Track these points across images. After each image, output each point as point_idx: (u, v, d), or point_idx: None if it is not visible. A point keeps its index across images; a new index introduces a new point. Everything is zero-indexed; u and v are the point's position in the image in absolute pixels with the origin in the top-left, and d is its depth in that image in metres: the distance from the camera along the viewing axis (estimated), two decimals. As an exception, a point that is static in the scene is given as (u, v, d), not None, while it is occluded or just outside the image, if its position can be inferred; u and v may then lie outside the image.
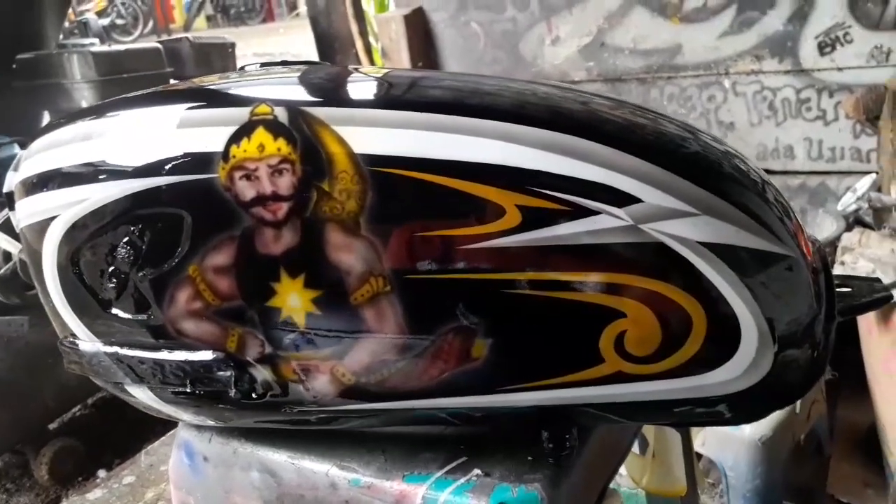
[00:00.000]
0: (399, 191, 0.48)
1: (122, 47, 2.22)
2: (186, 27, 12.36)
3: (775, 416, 1.32)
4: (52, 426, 1.89)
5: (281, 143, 0.49)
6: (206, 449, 0.64)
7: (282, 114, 0.50)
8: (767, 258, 0.48)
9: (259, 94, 0.54)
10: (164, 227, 0.52)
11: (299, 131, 0.49)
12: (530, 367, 0.50)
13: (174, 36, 2.75)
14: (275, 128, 0.50)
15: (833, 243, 1.57)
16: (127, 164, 0.54)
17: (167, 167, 0.52)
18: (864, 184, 1.69)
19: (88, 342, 0.59)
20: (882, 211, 1.51)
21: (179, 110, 0.54)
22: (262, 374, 0.53)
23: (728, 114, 1.91)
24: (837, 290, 0.56)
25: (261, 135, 0.50)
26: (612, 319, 0.48)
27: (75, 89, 2.02)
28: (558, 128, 0.49)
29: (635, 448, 0.76)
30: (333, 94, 0.55)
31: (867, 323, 1.46)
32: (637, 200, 0.47)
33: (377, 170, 0.48)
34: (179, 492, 0.68)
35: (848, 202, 1.70)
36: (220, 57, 2.35)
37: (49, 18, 2.42)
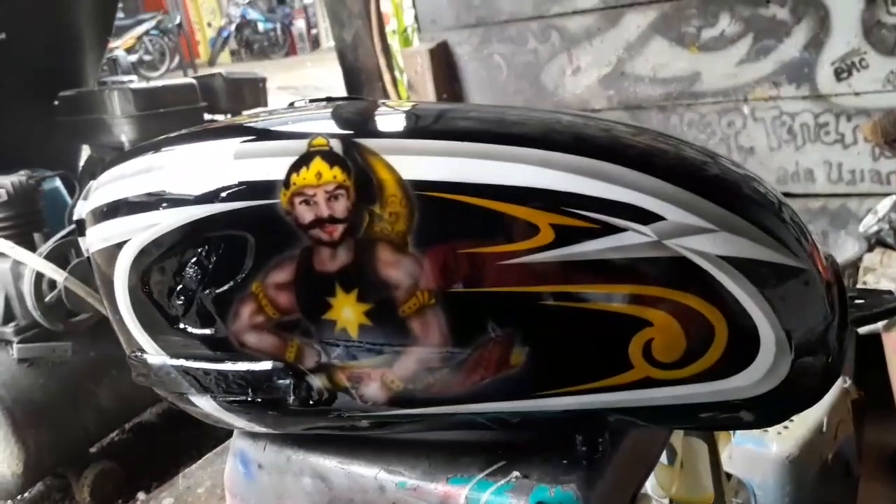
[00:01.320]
0: (443, 212, 0.53)
1: (159, 83, 2.31)
2: (211, 62, 12.68)
3: (802, 436, 1.34)
4: (92, 450, 1.94)
5: (336, 171, 0.55)
6: (261, 457, 0.69)
7: (336, 145, 0.55)
8: (783, 271, 0.53)
9: (314, 128, 0.59)
10: (229, 249, 0.58)
11: (353, 160, 0.55)
12: (565, 373, 0.54)
13: (202, 71, 2.86)
14: (331, 158, 0.55)
15: (855, 264, 1.59)
16: (192, 193, 0.59)
17: (231, 194, 0.57)
18: (884, 205, 1.72)
19: (156, 356, 0.64)
20: (902, 231, 1.54)
21: (235, 143, 0.59)
22: (318, 382, 0.58)
23: (748, 139, 1.95)
24: (851, 301, 0.60)
25: (318, 164, 0.55)
26: (640, 328, 0.52)
27: (115, 124, 2.11)
28: (586, 153, 0.53)
29: (664, 459, 0.80)
30: (381, 126, 0.60)
31: (893, 343, 1.48)
32: (660, 218, 0.51)
33: (423, 194, 0.53)
34: (234, 499, 0.73)
35: (869, 224, 1.73)
36: (251, 91, 2.44)
37: (88, 57, 2.53)
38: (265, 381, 0.59)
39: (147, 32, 11.21)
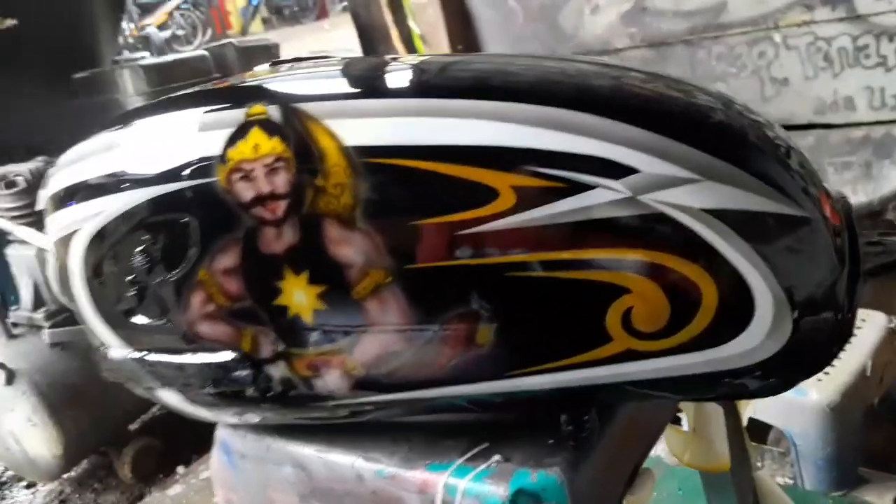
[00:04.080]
0: (392, 180, 0.48)
1: (170, 57, 2.29)
2: (243, 32, 12.60)
3: (843, 381, 1.27)
4: (131, 427, 1.97)
5: (275, 141, 0.50)
6: (243, 446, 0.65)
7: (275, 112, 0.50)
8: (780, 221, 0.46)
9: (256, 95, 0.54)
10: (173, 234, 0.54)
11: (292, 128, 0.50)
12: (537, 350, 0.49)
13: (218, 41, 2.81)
14: (269, 127, 0.50)
15: (899, 196, 1.48)
16: (137, 174, 0.55)
17: (170, 174, 0.53)
18: (932, 130, 1.59)
19: (117, 349, 0.61)
20: (952, 158, 1.42)
21: (180, 117, 0.55)
22: (278, 371, 0.54)
23: (781, 69, 1.82)
24: (869, 247, 0.53)
25: (256, 135, 0.50)
26: (617, 296, 0.46)
27: (130, 103, 2.09)
28: (548, 102, 0.47)
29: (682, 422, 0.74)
30: (324, 88, 0.55)
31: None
32: (633, 171, 0.45)
33: (369, 161, 0.48)
34: (223, 489, 0.70)
35: (916, 151, 1.61)
36: (264, 58, 2.38)
37: (103, 35, 2.51)
38: (223, 372, 0.55)
39: (178, 7, 11.15)
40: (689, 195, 0.45)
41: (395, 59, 0.60)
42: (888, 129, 1.72)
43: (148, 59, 2.36)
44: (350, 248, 0.49)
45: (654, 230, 0.45)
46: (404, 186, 0.48)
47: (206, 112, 0.54)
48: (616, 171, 0.45)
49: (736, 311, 0.46)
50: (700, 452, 0.71)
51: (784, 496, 0.81)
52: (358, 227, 0.49)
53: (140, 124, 0.59)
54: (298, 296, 0.51)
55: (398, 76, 0.55)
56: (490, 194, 0.46)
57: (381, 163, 0.48)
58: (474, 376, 0.51)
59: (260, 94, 0.55)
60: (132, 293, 0.57)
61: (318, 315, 0.51)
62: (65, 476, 1.93)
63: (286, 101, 0.51)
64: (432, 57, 0.61)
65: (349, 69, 0.58)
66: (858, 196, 1.71)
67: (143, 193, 0.54)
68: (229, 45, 2.39)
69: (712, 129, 0.48)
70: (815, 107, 1.79)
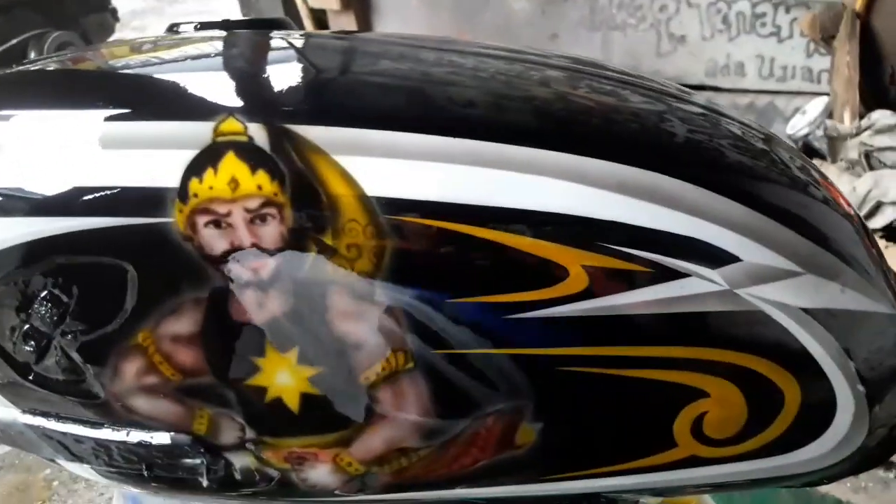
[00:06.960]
0: (431, 247, 0.36)
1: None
2: None
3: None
4: None
5: (262, 177, 0.36)
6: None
7: (260, 135, 0.36)
8: (871, 320, 0.40)
9: (218, 95, 0.39)
10: (98, 281, 0.39)
11: (287, 162, 0.36)
12: (586, 455, 0.41)
13: None
14: (252, 156, 0.36)
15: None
16: (39, 194, 0.39)
17: (97, 204, 0.38)
18: (814, 106, 1.65)
19: (2, 408, 0.45)
20: (837, 140, 1.47)
21: (98, 119, 0.39)
22: (242, 460, 0.42)
23: (680, 26, 1.80)
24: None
25: (232, 164, 0.36)
26: (692, 399, 0.39)
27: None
28: (632, 159, 0.37)
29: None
30: (333, 98, 0.41)
31: None
32: (735, 259, 0.37)
33: (400, 219, 0.36)
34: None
35: (798, 126, 1.66)
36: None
37: None
38: (164, 457, 0.42)
39: None
40: (791, 291, 0.37)
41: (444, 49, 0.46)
42: (772, 98, 1.77)
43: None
44: (362, 324, 0.37)
45: (747, 330, 0.38)
46: (446, 256, 0.36)
47: (143, 119, 0.39)
48: (714, 257, 0.37)
49: (816, 416, 0.40)
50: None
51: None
52: (375, 301, 0.37)
53: (32, 119, 0.42)
54: (282, 377, 0.39)
55: (452, 92, 0.42)
56: (556, 274, 0.36)
57: (418, 223, 0.36)
58: (503, 479, 0.42)
59: (230, 94, 0.40)
60: (29, 348, 0.41)
61: (306, 400, 0.39)
62: None
63: (273, 118, 0.37)
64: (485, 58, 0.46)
65: (353, 62, 0.44)
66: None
67: (53, 224, 0.38)
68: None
69: (817, 211, 0.40)
70: (707, 68, 1.80)
